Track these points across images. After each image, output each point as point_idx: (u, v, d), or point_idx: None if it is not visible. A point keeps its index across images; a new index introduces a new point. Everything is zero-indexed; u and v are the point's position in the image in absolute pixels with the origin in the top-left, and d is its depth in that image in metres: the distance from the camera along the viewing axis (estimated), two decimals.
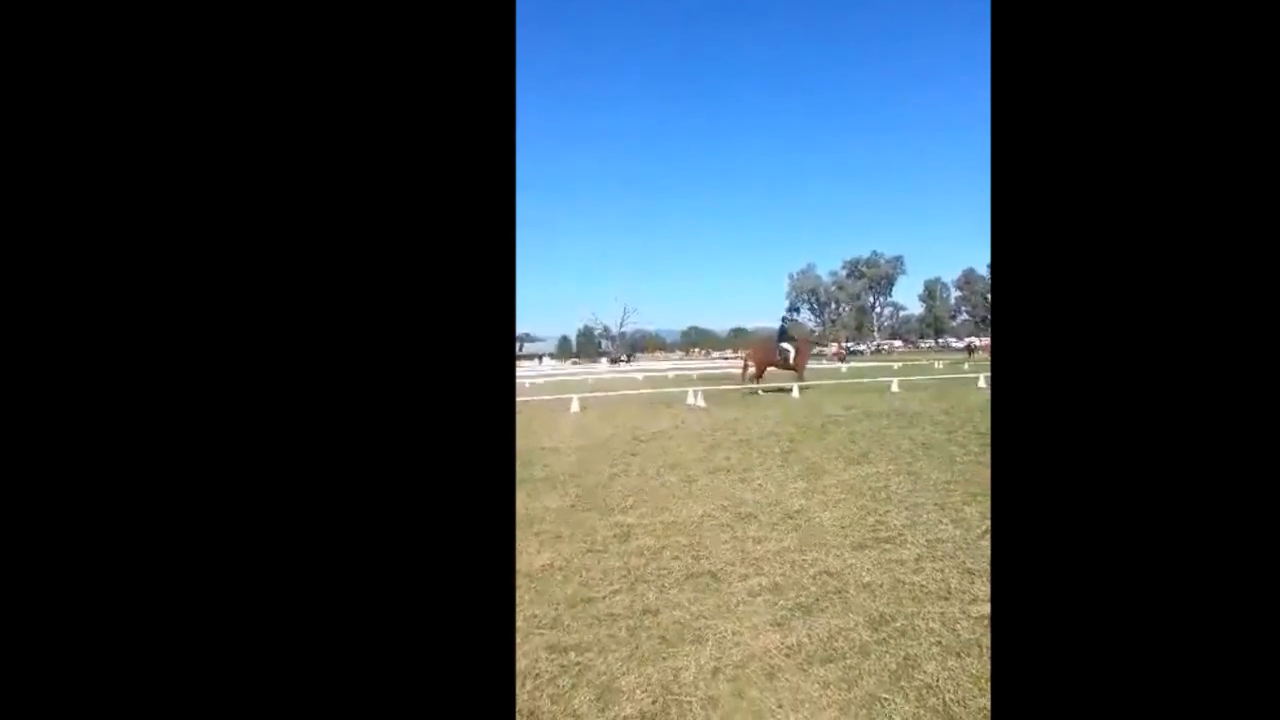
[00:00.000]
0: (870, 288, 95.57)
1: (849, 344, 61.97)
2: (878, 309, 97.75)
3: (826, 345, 46.97)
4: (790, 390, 15.56)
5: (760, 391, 16.33)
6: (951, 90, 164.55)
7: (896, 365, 27.48)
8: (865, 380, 17.97)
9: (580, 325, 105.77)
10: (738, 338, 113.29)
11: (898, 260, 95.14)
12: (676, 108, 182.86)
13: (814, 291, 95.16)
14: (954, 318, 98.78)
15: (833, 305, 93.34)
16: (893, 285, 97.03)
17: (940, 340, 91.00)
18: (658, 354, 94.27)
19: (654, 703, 2.29)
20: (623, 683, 2.43)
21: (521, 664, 2.58)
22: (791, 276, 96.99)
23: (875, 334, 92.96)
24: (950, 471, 6.06)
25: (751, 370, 17.40)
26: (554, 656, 2.64)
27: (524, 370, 39.55)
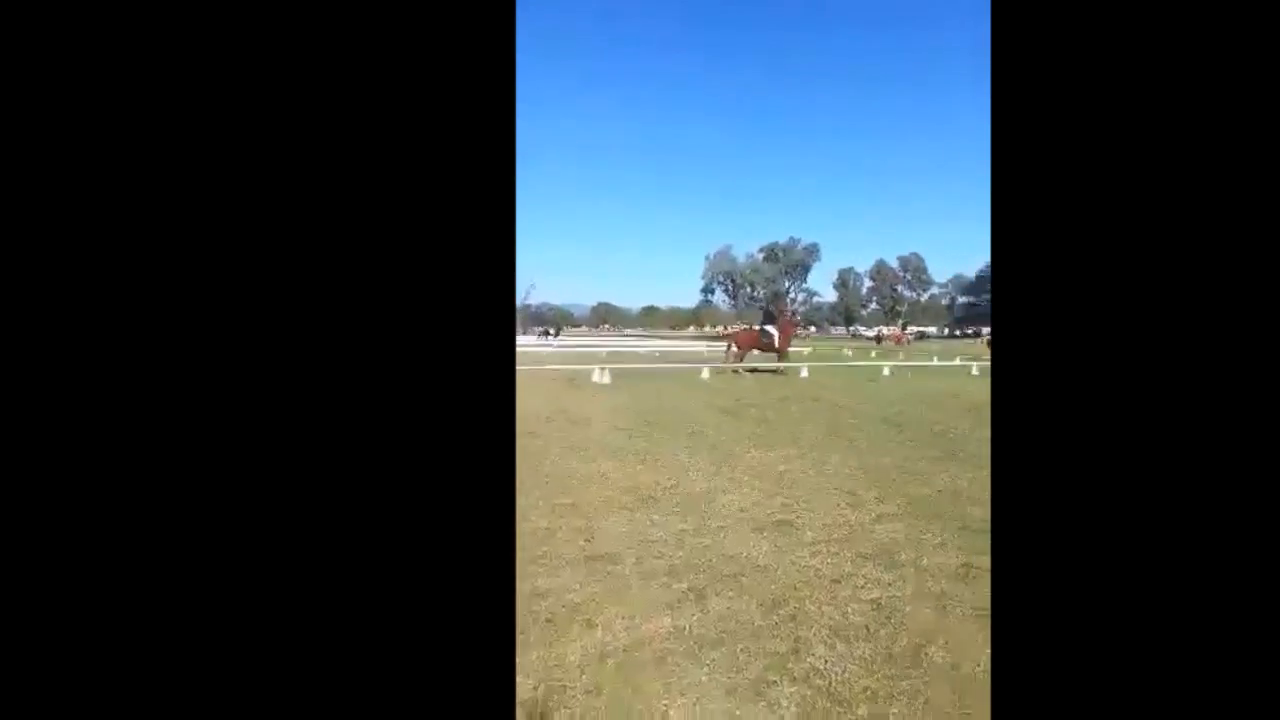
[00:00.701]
0: (785, 273, 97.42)
1: None
2: (792, 294, 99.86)
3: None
4: (701, 372, 15.74)
5: (741, 370, 16.87)
6: (869, 93, 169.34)
7: (807, 351, 28.16)
8: (781, 364, 18.34)
9: None
10: (649, 316, 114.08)
11: (814, 247, 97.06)
12: (597, 80, 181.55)
13: (729, 274, 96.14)
14: (865, 307, 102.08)
15: (748, 288, 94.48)
16: (808, 272, 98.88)
17: (851, 328, 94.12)
18: (567, 329, 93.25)
19: (535, 689, 2.20)
20: None
21: None
22: (708, 257, 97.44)
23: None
24: (855, 457, 6.19)
25: (735, 350, 17.95)
26: None
27: None
